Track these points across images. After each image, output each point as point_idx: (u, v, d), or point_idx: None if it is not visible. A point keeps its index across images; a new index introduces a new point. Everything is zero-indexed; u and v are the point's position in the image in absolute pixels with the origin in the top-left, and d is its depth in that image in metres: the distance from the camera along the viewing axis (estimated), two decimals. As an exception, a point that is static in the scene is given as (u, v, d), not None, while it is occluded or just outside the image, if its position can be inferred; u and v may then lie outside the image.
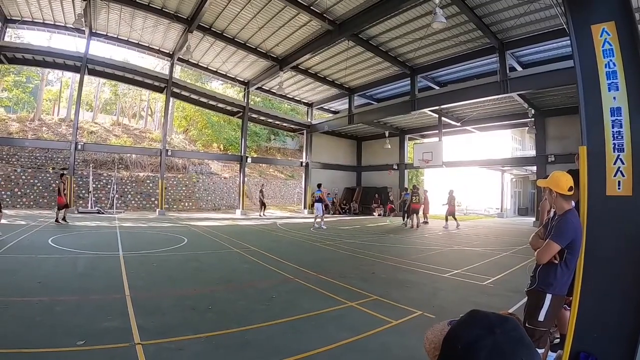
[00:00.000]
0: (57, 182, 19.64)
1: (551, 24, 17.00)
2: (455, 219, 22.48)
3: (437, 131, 28.28)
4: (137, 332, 4.95)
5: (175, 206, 31.36)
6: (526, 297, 3.91)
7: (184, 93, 28.43)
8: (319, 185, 21.68)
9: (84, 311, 5.71)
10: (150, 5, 20.04)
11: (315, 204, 20.93)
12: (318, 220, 20.88)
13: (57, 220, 17.30)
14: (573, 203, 3.90)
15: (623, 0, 3.84)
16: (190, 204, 32.77)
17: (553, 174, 3.75)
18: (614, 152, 3.73)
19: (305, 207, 33.30)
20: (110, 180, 27.93)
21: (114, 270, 8.53)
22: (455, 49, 21.05)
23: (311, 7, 18.26)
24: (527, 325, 3.63)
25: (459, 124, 29.42)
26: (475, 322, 1.04)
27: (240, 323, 5.48)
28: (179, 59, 26.28)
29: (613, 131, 3.75)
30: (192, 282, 8.16)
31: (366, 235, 18.34)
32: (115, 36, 24.05)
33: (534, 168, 28.09)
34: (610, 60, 3.84)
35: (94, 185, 26.68)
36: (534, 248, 3.81)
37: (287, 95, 32.13)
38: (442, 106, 24.69)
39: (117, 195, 27.58)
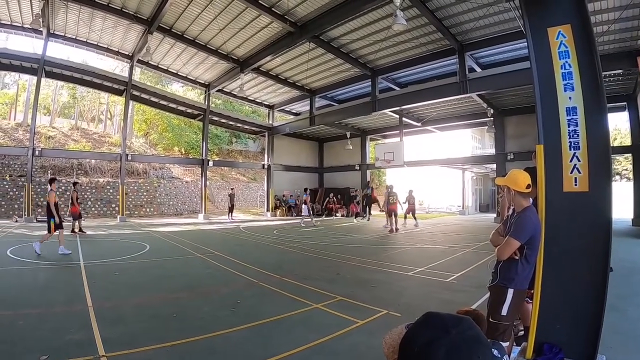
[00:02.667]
0: (70, 191, 19.19)
1: (509, 26, 17.37)
2: (414, 217, 23.07)
3: (398, 131, 28.52)
4: (101, 344, 4.83)
5: (136, 212, 30.72)
6: (489, 293, 3.99)
7: (143, 96, 27.94)
8: (305, 190, 25.72)
9: (47, 324, 5.54)
10: (110, 5, 19.46)
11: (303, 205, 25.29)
12: (307, 220, 24.40)
13: (73, 230, 17.24)
14: (531, 200, 4.00)
15: (579, 4, 3.96)
16: (152, 209, 32.17)
17: (511, 172, 3.83)
18: (570, 150, 3.85)
19: (268, 210, 33.15)
20: (69, 187, 27.07)
21: (75, 281, 8.32)
22: (415, 50, 21.24)
23: (272, 9, 18.13)
24: (490, 319, 3.69)
25: (419, 124, 29.84)
26: (431, 324, 1.06)
27: (206, 330, 5.41)
28: (139, 61, 25.72)
29: (569, 130, 3.87)
30: (155, 290, 8.05)
31: (329, 236, 18.39)
32: (74, 37, 23.27)
33: (494, 166, 28.66)
34: (566, 61, 3.96)
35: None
36: (495, 245, 3.88)
37: (248, 98, 31.83)
38: (403, 107, 24.95)
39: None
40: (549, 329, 3.90)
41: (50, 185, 12.25)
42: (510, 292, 3.63)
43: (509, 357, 3.66)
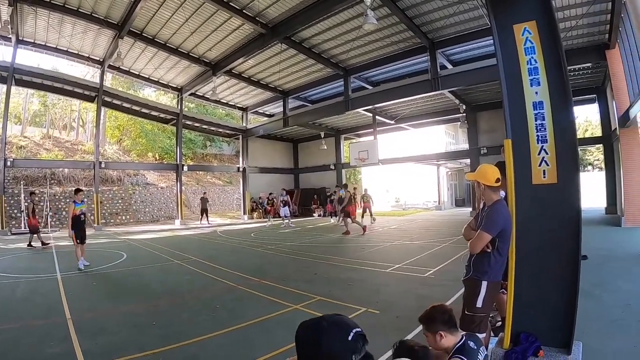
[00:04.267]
0: (26, 202, 18.37)
1: (479, 23, 17.61)
2: (371, 215, 23.99)
3: (372, 130, 28.78)
4: (81, 356, 4.80)
5: (112, 220, 30.24)
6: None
7: (115, 102, 27.53)
8: (284, 191, 25.80)
9: (26, 339, 5.48)
10: (80, 10, 19.18)
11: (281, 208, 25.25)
12: (286, 221, 24.70)
13: (30, 245, 16.04)
14: (503, 193, 4.07)
15: (544, 1, 4.04)
16: (128, 217, 31.72)
17: (480, 167, 3.92)
18: (538, 143, 3.94)
19: (245, 213, 33.04)
20: (42, 198, 26.53)
21: (52, 293, 8.23)
22: (387, 49, 21.38)
23: (244, 11, 18.05)
24: (466, 312, 3.77)
25: (393, 122, 30.06)
26: (307, 322, 1.57)
27: (186, 336, 5.41)
28: (110, 66, 25.25)
29: (536, 124, 3.96)
30: (133, 299, 7.98)
31: (307, 236, 18.44)
32: (43, 43, 22.84)
33: (468, 161, 28.96)
34: (532, 57, 4.05)
35: (25, 204, 25.46)
36: (467, 239, 3.95)
37: (222, 100, 31.59)
38: (376, 105, 25.08)
39: (50, 213, 26.25)
40: (524, 319, 3.97)
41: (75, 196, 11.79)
42: (484, 284, 3.69)
43: (487, 348, 3.72)
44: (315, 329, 1.51)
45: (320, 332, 1.49)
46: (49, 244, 16.68)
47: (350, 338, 1.48)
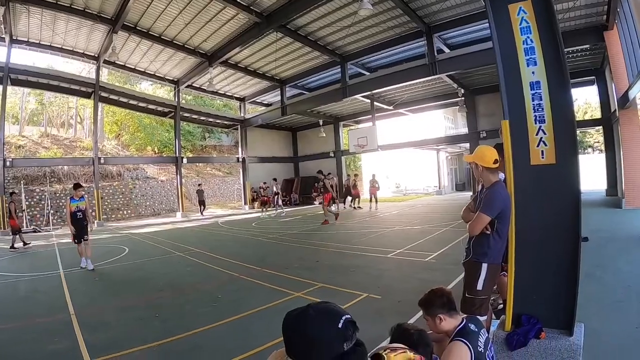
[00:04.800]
0: (6, 203, 18.10)
1: (475, 6, 17.43)
2: (376, 201, 24.56)
3: (370, 116, 28.69)
4: (85, 350, 4.83)
5: (113, 216, 30.18)
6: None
7: (112, 97, 27.45)
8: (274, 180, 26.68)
9: (29, 336, 5.49)
10: (72, 6, 18.96)
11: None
12: (278, 210, 25.97)
13: (12, 247, 15.41)
14: (503, 175, 4.04)
15: (539, -20, 3.99)
16: (129, 211, 31.65)
17: (478, 148, 3.89)
18: (536, 123, 3.90)
19: (245, 203, 33.11)
20: (43, 196, 26.50)
21: (55, 290, 8.25)
22: (383, 34, 21.23)
23: (238, 0, 17.92)
24: (467, 295, 3.77)
25: (391, 108, 29.98)
26: (292, 312, 1.54)
27: (189, 327, 5.44)
28: (105, 62, 25.14)
29: (533, 104, 3.92)
30: (136, 292, 8.04)
31: (308, 224, 18.47)
32: (37, 42, 22.66)
33: (468, 145, 28.91)
34: (528, 37, 4.00)
35: (27, 203, 25.40)
36: (466, 221, 3.94)
37: (219, 92, 31.41)
38: (374, 91, 25.00)
39: (52, 211, 26.17)
40: (525, 301, 3.96)
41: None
42: (484, 266, 3.68)
43: (488, 331, 3.71)
44: (302, 317, 1.49)
45: (306, 320, 1.47)
46: (29, 244, 16.43)
47: (340, 325, 1.44)
